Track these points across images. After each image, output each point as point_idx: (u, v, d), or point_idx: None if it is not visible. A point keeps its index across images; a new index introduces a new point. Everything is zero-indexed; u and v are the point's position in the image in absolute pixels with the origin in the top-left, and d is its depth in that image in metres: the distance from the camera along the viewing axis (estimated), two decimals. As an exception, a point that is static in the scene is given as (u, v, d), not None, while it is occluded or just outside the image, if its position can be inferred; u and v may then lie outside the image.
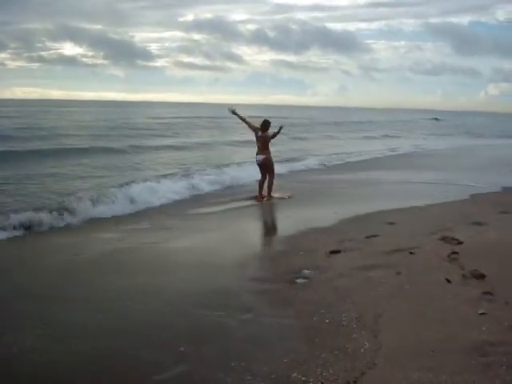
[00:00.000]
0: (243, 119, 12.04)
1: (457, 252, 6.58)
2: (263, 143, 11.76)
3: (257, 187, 12.09)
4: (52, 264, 6.81)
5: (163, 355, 4.16)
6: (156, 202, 11.24)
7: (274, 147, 12.54)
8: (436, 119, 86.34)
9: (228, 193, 12.86)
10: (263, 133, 11.76)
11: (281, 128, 11.59)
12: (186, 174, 14.34)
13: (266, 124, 11.77)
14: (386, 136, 39.98)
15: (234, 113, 11.96)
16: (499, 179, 14.63)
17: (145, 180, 12.66)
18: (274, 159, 12.28)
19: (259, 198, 11.80)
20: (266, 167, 11.87)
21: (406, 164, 20.42)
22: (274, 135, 11.75)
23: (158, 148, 23.64)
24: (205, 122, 47.01)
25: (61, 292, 5.70)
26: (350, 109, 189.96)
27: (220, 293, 5.62)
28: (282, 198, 11.83)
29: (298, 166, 18.47)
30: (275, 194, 11.96)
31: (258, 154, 11.85)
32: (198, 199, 12.03)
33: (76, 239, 8.20)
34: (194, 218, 9.94)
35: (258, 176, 12.22)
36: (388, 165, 20.13)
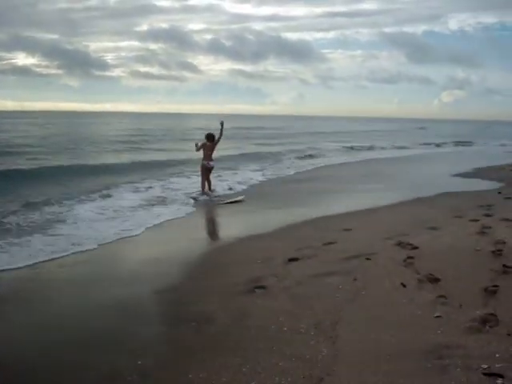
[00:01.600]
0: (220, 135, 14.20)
1: (412, 257, 6.67)
2: (211, 150, 14.12)
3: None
4: None
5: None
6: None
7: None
8: (422, 128, 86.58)
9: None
10: (211, 142, 14.17)
11: (222, 124, 14.07)
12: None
13: (210, 136, 14.24)
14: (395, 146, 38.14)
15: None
16: (442, 184, 15.16)
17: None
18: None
19: (208, 191, 13.89)
20: (211, 170, 14.27)
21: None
22: (221, 132, 14.11)
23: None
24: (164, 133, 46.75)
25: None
26: (312, 118, 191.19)
27: (177, 304, 5.56)
28: (236, 202, 12.66)
29: (257, 175, 18.72)
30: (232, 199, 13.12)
31: (208, 160, 14.09)
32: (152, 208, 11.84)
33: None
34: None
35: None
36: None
